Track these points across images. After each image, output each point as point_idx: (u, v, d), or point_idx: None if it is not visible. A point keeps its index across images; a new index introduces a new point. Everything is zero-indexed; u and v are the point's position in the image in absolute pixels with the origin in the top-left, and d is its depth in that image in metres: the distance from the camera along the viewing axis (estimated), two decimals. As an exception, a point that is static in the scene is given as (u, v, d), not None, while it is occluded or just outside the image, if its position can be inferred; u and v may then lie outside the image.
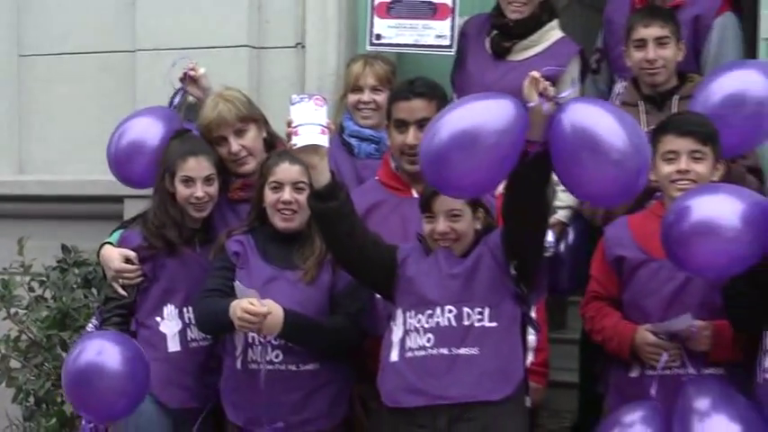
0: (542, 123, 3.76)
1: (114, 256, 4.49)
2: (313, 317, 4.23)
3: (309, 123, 3.98)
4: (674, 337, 4.12)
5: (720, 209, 3.90)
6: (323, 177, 3.99)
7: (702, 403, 4.04)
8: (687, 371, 4.17)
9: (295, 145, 3.96)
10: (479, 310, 4.03)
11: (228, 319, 4.12)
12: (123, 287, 4.48)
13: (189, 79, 4.88)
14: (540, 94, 3.75)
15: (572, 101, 3.82)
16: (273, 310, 4.12)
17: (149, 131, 4.75)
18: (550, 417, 5.22)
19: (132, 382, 4.24)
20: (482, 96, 3.92)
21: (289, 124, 4.01)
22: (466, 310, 4.03)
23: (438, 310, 4.05)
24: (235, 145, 4.62)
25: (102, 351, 4.23)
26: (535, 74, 3.79)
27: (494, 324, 4.02)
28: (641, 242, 4.28)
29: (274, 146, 4.71)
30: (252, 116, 4.70)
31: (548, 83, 3.79)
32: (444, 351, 4.01)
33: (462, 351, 4.01)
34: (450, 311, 4.04)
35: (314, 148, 3.96)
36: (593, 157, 3.66)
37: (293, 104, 4.01)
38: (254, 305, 4.07)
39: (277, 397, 4.26)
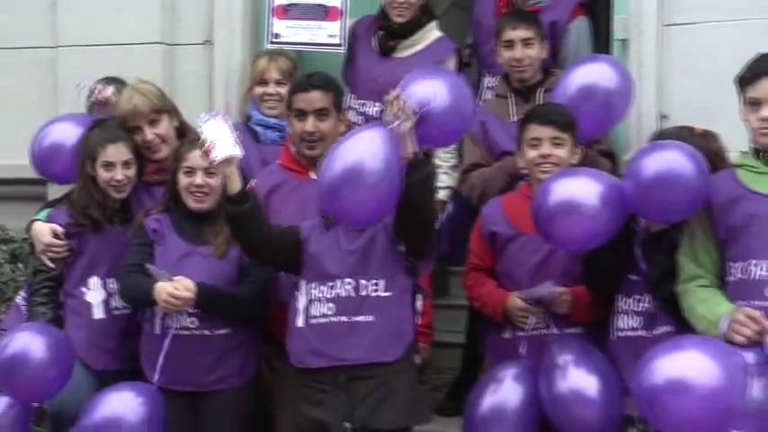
0: (407, 139, 3.84)
1: (45, 231, 4.45)
2: (223, 287, 4.24)
3: (222, 137, 4.01)
4: (540, 302, 4.17)
5: (582, 190, 3.95)
6: (236, 184, 4.02)
7: (564, 359, 4.08)
8: (552, 331, 4.21)
9: (216, 158, 3.98)
10: (375, 281, 4.06)
11: (151, 298, 4.16)
12: (52, 260, 4.43)
13: (99, 103, 4.86)
14: (397, 115, 3.82)
15: None
16: (187, 284, 4.15)
17: (68, 134, 4.70)
18: (435, 373, 5.25)
19: (56, 366, 4.24)
20: (359, 132, 3.95)
21: (203, 142, 4.02)
22: (363, 281, 4.05)
23: (338, 283, 4.07)
24: (149, 134, 4.59)
25: (27, 342, 4.20)
26: (389, 97, 3.87)
27: (388, 294, 4.06)
28: (512, 219, 4.32)
29: (185, 134, 4.68)
30: (164, 107, 4.67)
31: (403, 101, 3.84)
32: (344, 318, 4.04)
33: (360, 318, 4.04)
34: (350, 284, 4.06)
35: (229, 159, 3.99)
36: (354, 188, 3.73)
37: (204, 123, 4.03)
38: (179, 290, 4.11)
39: (193, 359, 4.25)
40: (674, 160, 3.82)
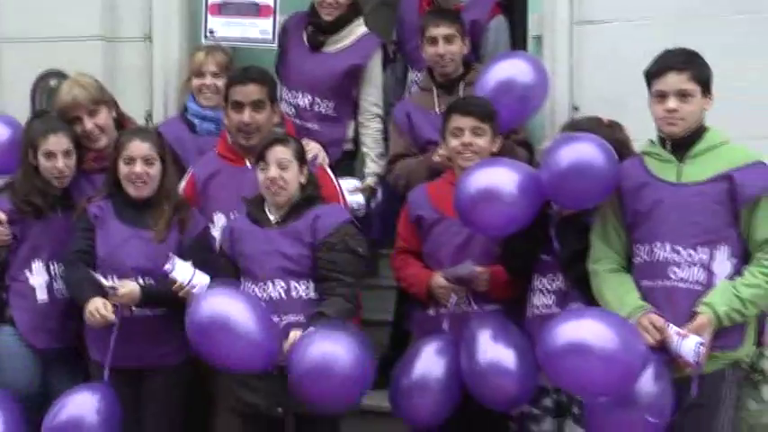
0: None
1: None
2: (163, 288, 4.20)
3: (191, 273, 4.12)
4: (461, 281, 4.20)
5: (500, 179, 3.98)
6: None
7: (483, 333, 4.10)
8: (472, 308, 4.25)
9: (199, 291, 4.08)
10: (305, 284, 4.10)
11: (82, 303, 4.16)
12: None
13: None
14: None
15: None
16: (131, 289, 4.15)
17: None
18: None
19: None
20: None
21: (181, 286, 4.10)
22: (293, 283, 4.09)
23: (270, 285, 4.09)
24: (89, 124, 4.56)
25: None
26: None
27: (317, 295, 4.10)
28: (436, 204, 4.34)
29: (123, 125, 4.68)
30: (103, 99, 4.64)
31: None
32: (276, 318, 4.04)
33: (291, 318, 4.07)
34: (281, 286, 4.09)
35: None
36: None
37: (172, 271, 4.10)
38: (106, 311, 4.10)
39: (135, 338, 4.22)
40: (586, 152, 3.85)
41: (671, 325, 3.71)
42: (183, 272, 4.12)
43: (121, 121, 4.69)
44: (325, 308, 4.01)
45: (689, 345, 3.66)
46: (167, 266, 4.10)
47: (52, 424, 4.13)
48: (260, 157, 4.14)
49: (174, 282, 4.10)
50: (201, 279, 4.11)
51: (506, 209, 3.96)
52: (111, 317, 4.09)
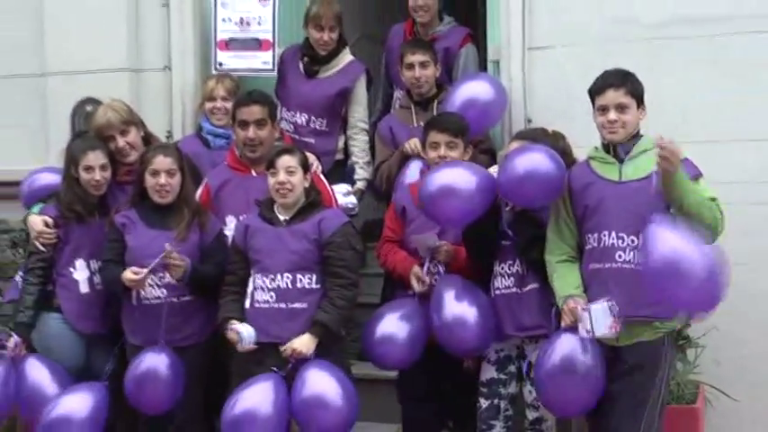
0: None
1: (37, 221, 4.40)
2: (199, 266, 4.20)
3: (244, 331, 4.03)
4: (428, 250, 4.19)
5: (457, 178, 3.98)
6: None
7: (449, 293, 4.09)
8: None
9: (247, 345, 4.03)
10: (309, 276, 4.06)
11: (121, 286, 4.16)
12: (43, 245, 4.37)
13: None
14: None
15: None
16: (184, 260, 4.12)
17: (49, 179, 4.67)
18: (356, 328, 5.20)
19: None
20: None
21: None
22: (298, 275, 4.05)
23: (278, 276, 4.05)
24: (120, 142, 4.53)
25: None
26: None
27: (318, 286, 4.07)
28: (417, 200, 4.28)
29: (150, 142, 4.64)
30: (132, 120, 4.61)
31: None
32: (283, 305, 4.04)
33: (296, 305, 4.04)
34: (287, 277, 4.05)
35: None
36: None
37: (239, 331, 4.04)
38: (137, 272, 4.09)
39: (163, 321, 4.17)
40: (538, 160, 3.85)
41: (581, 306, 3.71)
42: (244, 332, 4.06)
43: (148, 139, 4.67)
44: (321, 316, 4.01)
45: (596, 308, 3.66)
46: (167, 245, 4.10)
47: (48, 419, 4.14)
48: (270, 165, 4.13)
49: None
50: (251, 337, 4.02)
51: (461, 204, 3.95)
52: (143, 273, 4.08)
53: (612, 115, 3.79)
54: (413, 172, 4.58)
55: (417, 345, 4.17)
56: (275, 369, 4.01)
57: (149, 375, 4.12)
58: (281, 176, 4.08)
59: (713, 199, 3.71)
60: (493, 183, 3.96)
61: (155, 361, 4.13)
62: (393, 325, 4.19)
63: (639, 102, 3.83)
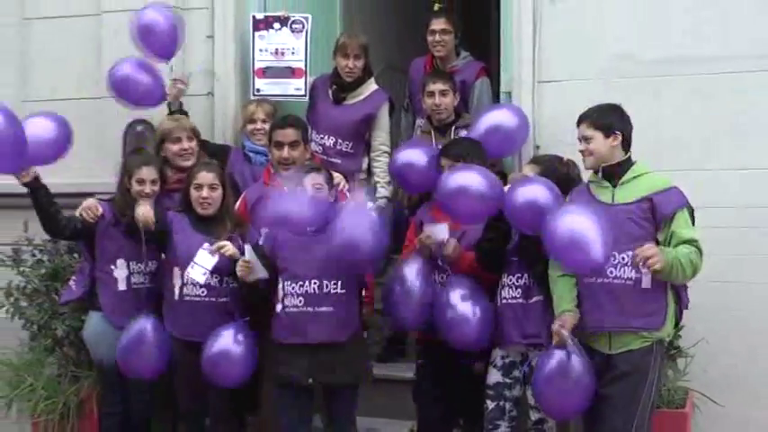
0: None
1: (90, 201, 4.56)
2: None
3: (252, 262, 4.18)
4: (436, 241, 4.26)
5: (473, 180, 4.02)
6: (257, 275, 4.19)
7: (455, 293, 4.17)
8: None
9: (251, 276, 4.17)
10: (335, 281, 4.15)
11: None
12: (82, 219, 4.50)
13: (175, 83, 5.02)
14: None
15: None
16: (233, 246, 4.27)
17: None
18: (376, 331, 5.30)
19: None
20: None
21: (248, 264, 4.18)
22: (325, 281, 4.14)
23: (306, 282, 4.15)
24: (186, 144, 4.78)
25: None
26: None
27: (343, 291, 4.17)
28: (433, 216, 4.41)
29: (200, 157, 4.82)
30: (196, 132, 4.88)
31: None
32: (310, 309, 4.14)
33: (323, 309, 4.14)
34: (315, 283, 4.14)
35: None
36: None
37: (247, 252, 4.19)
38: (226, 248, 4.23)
39: (201, 318, 4.35)
40: (538, 192, 3.91)
41: (564, 331, 3.83)
42: (204, 260, 4.22)
43: (200, 155, 4.87)
44: None
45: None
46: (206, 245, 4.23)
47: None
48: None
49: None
50: (260, 271, 4.14)
51: (475, 203, 3.99)
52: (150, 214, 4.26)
53: (581, 146, 3.99)
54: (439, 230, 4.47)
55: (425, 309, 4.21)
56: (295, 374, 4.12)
57: (228, 349, 4.19)
58: (309, 192, 4.13)
59: (694, 240, 3.81)
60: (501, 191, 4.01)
61: (230, 339, 4.21)
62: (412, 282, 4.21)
63: (606, 131, 3.91)
